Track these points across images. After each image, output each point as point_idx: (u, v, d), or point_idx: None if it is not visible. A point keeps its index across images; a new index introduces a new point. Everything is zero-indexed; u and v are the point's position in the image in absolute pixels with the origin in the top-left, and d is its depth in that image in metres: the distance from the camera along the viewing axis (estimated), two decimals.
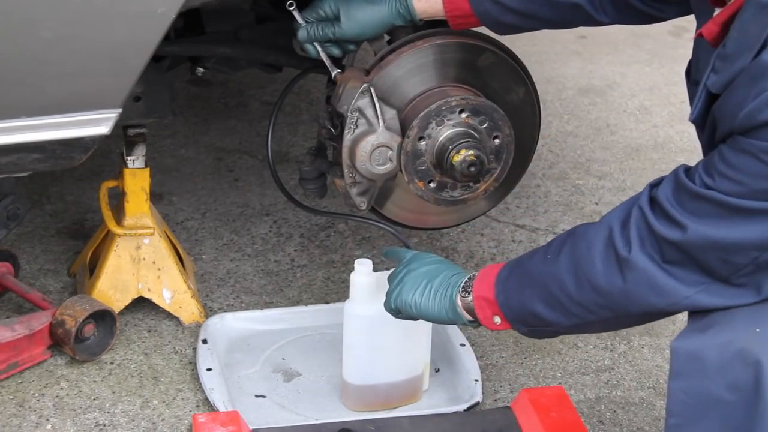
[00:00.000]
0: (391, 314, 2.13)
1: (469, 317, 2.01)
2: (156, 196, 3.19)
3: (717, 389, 1.68)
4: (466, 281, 2.01)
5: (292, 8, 2.32)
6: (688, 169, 1.75)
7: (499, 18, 2.25)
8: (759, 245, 1.67)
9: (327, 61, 2.33)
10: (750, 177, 1.64)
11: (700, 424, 1.71)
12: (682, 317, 2.81)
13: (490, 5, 2.23)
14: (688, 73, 1.99)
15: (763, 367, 1.64)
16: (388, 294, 2.12)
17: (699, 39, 1.84)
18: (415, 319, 2.10)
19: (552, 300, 1.88)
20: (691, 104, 1.86)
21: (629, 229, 1.77)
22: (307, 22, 2.33)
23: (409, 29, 2.33)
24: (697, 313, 1.77)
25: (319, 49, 2.33)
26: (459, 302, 2.01)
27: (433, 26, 2.35)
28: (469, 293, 1.99)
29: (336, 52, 2.34)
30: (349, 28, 2.29)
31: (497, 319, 1.97)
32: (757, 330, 1.67)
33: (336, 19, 2.31)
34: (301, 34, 2.33)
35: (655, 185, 1.80)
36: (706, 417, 1.70)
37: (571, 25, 2.30)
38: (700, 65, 1.89)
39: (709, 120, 1.75)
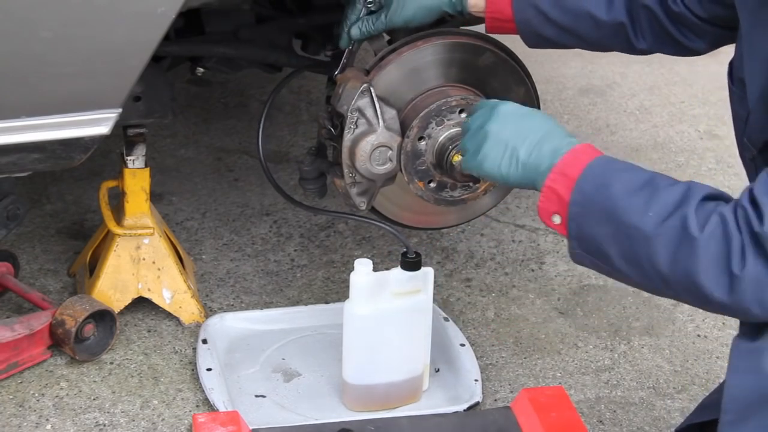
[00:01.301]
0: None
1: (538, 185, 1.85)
2: (156, 196, 3.19)
3: None
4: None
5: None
6: None
7: (538, 29, 2.22)
8: None
9: (347, 54, 2.32)
10: None
11: (755, 421, 1.70)
12: (683, 317, 2.82)
13: (533, 14, 2.21)
14: (730, 73, 1.98)
15: None
16: (465, 157, 1.98)
17: (743, 33, 1.83)
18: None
19: (633, 258, 1.73)
20: (733, 104, 1.84)
21: (742, 235, 1.64)
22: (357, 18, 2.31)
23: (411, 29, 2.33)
24: None
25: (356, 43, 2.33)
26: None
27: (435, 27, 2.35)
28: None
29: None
30: (400, 14, 2.26)
31: (557, 219, 1.82)
32: None
33: (381, 7, 2.29)
34: (354, 32, 2.31)
35: (752, 188, 1.68)
36: (760, 414, 1.69)
37: (608, 48, 2.26)
38: (744, 61, 1.88)
39: None
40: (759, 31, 1.85)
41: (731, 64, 1.99)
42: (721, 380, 2.02)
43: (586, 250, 1.79)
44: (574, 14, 2.19)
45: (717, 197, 1.71)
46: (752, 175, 1.95)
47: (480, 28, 2.37)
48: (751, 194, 1.66)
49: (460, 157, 2.21)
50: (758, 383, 1.68)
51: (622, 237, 1.73)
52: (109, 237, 2.69)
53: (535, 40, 2.27)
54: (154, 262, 2.67)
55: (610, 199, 1.75)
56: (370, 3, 2.30)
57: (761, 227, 1.62)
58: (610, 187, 1.76)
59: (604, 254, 1.76)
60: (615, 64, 4.16)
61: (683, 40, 2.17)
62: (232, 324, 2.68)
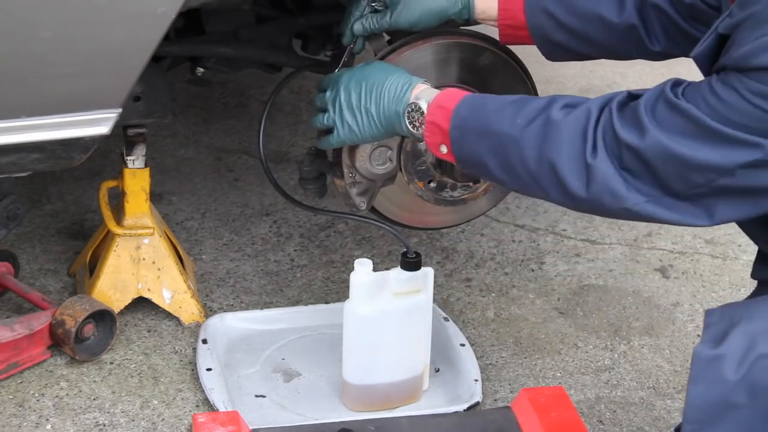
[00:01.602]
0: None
1: (409, 127, 2.06)
2: (156, 196, 3.19)
3: (735, 395, 1.68)
4: (416, 102, 2.04)
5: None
6: (676, 84, 1.80)
7: (550, 35, 2.21)
8: (720, 169, 1.72)
9: (348, 53, 2.32)
10: (729, 108, 1.70)
11: (716, 429, 1.71)
12: (683, 317, 2.82)
13: (545, 19, 2.20)
14: None
15: None
16: (335, 134, 2.19)
17: None
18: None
19: (507, 164, 1.91)
20: None
21: (597, 131, 1.82)
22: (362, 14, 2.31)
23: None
24: (715, 316, 1.76)
25: (359, 41, 2.33)
26: (406, 115, 2.06)
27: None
28: (422, 113, 2.02)
29: (360, 45, 2.34)
30: (405, 16, 2.26)
31: (444, 149, 2.01)
32: None
33: (386, 8, 2.28)
34: (357, 27, 2.30)
35: (635, 95, 1.84)
36: (723, 424, 1.70)
37: (623, 54, 2.26)
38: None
39: (717, 65, 1.77)
40: None
41: None
42: None
43: (472, 168, 2.00)
44: (585, 18, 2.19)
45: (582, 102, 1.87)
46: None
47: (480, 28, 2.37)
48: (626, 98, 1.83)
49: None
50: (720, 392, 1.69)
51: (496, 146, 1.92)
52: (109, 237, 2.69)
53: (551, 49, 2.26)
54: (154, 262, 2.67)
55: (484, 116, 1.95)
56: (375, 2, 2.30)
57: (621, 128, 1.79)
58: (484, 107, 1.97)
59: (485, 167, 1.96)
60: (615, 64, 4.15)
61: (698, 35, 2.14)
62: (232, 324, 2.67)
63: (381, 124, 2.12)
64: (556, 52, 2.26)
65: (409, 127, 2.06)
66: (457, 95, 2.02)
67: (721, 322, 1.74)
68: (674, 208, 1.80)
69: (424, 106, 2.02)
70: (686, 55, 2.18)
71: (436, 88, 2.09)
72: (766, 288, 1.97)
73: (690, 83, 1.78)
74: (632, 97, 1.85)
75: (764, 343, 1.67)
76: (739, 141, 1.70)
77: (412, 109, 2.04)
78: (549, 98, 1.92)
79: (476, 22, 2.29)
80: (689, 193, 1.77)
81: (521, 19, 2.23)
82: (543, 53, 2.29)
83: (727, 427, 1.69)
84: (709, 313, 1.78)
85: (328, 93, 2.20)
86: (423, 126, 2.03)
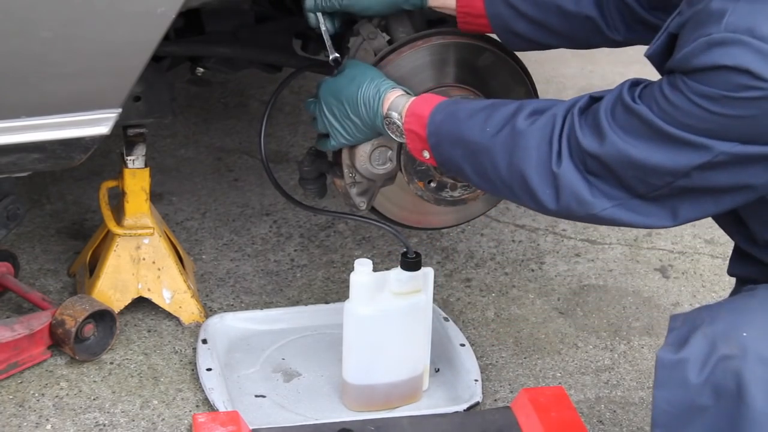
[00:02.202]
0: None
1: (393, 136, 2.10)
2: (156, 196, 3.19)
3: (700, 398, 1.68)
4: (389, 116, 2.08)
5: None
6: (634, 84, 1.81)
7: (510, 24, 2.19)
8: (675, 172, 1.74)
9: (326, 36, 2.28)
10: (677, 111, 1.71)
11: None
12: None
13: (504, 7, 2.18)
14: None
15: (745, 373, 1.64)
16: (328, 139, 2.23)
17: None
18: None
19: (480, 170, 1.94)
20: None
21: (562, 138, 1.83)
22: None
23: (409, 27, 2.33)
24: (678, 321, 1.78)
25: (321, 20, 2.28)
26: (386, 127, 2.10)
27: (433, 26, 2.34)
28: (400, 118, 2.06)
29: (330, 26, 2.30)
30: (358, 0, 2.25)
31: (426, 154, 2.04)
32: (744, 334, 1.67)
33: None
34: (309, 3, 2.28)
35: (597, 97, 1.86)
36: (691, 426, 1.71)
37: (584, 43, 2.24)
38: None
39: (666, 66, 1.78)
40: None
41: None
42: None
43: (452, 173, 2.06)
44: (544, 7, 2.17)
45: (549, 107, 1.89)
46: None
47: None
48: (588, 102, 1.85)
49: None
50: (685, 395, 1.70)
51: (470, 154, 1.95)
52: (109, 237, 2.69)
53: (511, 38, 2.24)
54: (154, 262, 2.67)
55: (456, 123, 1.98)
56: None
57: (582, 135, 1.81)
58: (456, 113, 1.99)
59: (464, 173, 1.99)
60: (615, 64, 4.16)
61: (659, 23, 2.10)
62: (232, 324, 2.67)
63: (369, 130, 2.17)
64: (516, 41, 2.24)
65: (393, 136, 2.10)
66: (431, 101, 2.05)
67: (683, 326, 1.75)
68: (639, 210, 1.81)
69: (396, 117, 2.07)
70: (648, 43, 2.19)
71: (425, 91, 2.10)
72: (742, 287, 1.97)
73: (647, 84, 1.79)
74: (594, 100, 1.86)
75: (725, 345, 1.67)
76: (688, 143, 1.71)
77: (389, 122, 2.09)
78: (517, 104, 1.93)
79: (430, 9, 2.27)
80: (652, 195, 1.79)
81: (479, 7, 2.21)
82: (503, 42, 2.27)
83: (696, 429, 1.70)
84: (673, 318, 1.79)
85: (314, 103, 2.24)
86: (403, 134, 2.06)
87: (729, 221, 1.98)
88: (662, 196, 1.78)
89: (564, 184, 1.83)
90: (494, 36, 2.33)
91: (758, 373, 1.64)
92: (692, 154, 1.71)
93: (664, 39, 1.80)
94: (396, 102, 2.09)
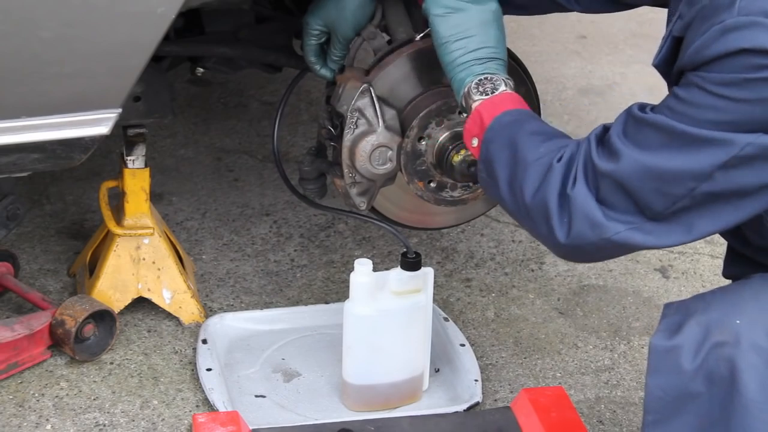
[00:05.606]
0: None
1: (460, 90, 2.04)
2: (156, 196, 3.19)
3: (693, 384, 1.69)
4: (481, 82, 2.02)
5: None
6: (641, 106, 1.79)
7: None
8: (697, 175, 1.70)
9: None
10: (696, 108, 1.68)
11: (678, 420, 1.73)
12: None
13: None
14: None
15: (738, 360, 1.65)
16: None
17: None
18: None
19: (513, 181, 1.91)
20: None
21: (578, 165, 1.82)
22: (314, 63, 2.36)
23: (409, 27, 2.33)
24: (671, 309, 1.78)
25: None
26: (466, 90, 2.03)
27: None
28: (482, 96, 2.01)
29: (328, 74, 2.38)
30: (346, 28, 2.27)
31: (475, 142, 2.01)
32: (738, 322, 1.68)
33: (327, 32, 2.30)
34: (324, 73, 2.36)
35: (609, 127, 1.84)
36: (683, 412, 1.71)
37: (538, 10, 2.25)
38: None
39: (675, 68, 1.77)
40: None
41: None
42: None
43: (485, 172, 1.98)
44: None
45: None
46: None
47: None
48: (602, 131, 1.84)
49: (460, 156, 2.22)
50: (678, 382, 1.70)
51: (513, 164, 1.91)
52: (109, 237, 2.69)
53: None
54: (154, 262, 2.67)
55: (518, 131, 1.94)
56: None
57: (598, 158, 1.79)
58: (523, 123, 1.96)
59: (496, 176, 1.95)
60: (615, 64, 4.15)
61: None
62: (232, 324, 2.68)
63: (449, 69, 2.08)
64: None
65: (458, 96, 2.04)
66: (514, 103, 2.01)
67: (676, 313, 1.76)
68: (654, 232, 1.77)
69: (479, 92, 2.01)
70: (610, 11, 2.19)
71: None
72: None
73: (655, 105, 1.78)
74: (607, 129, 1.85)
75: (719, 332, 1.68)
76: (709, 141, 1.67)
77: (471, 88, 2.02)
78: (569, 143, 1.90)
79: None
80: (671, 209, 1.74)
81: None
82: None
83: (688, 415, 1.71)
84: (666, 306, 1.79)
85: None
86: (470, 110, 2.02)
87: None
88: (680, 210, 1.74)
89: (576, 206, 1.80)
90: None
91: (751, 360, 1.65)
92: (715, 151, 1.67)
93: (669, 45, 1.78)
94: (495, 81, 2.03)
